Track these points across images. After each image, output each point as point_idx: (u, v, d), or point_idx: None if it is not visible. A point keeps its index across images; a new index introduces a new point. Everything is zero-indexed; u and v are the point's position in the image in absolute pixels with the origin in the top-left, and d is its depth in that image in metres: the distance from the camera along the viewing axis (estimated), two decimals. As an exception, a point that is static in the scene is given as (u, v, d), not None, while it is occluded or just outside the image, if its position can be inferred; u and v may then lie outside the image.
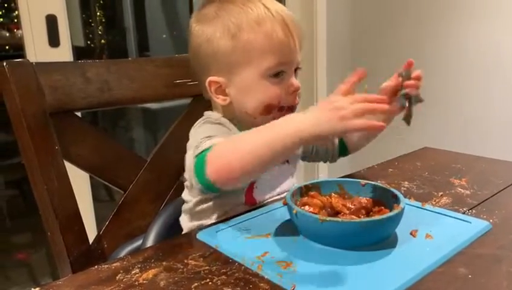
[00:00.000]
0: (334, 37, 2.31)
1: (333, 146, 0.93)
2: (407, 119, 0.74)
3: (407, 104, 0.74)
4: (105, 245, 0.96)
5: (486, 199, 0.76)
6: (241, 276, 0.55)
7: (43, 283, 2.00)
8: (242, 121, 0.78)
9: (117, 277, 0.56)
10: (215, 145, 0.65)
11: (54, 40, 1.63)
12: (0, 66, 0.84)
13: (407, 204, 0.74)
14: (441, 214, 0.70)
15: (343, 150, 0.94)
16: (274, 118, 0.66)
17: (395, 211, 0.60)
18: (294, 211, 0.62)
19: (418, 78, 0.74)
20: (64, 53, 1.66)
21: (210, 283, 0.54)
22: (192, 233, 0.68)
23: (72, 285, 0.54)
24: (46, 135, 0.88)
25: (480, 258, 0.58)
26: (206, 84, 0.76)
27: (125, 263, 0.60)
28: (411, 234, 0.64)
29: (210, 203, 0.78)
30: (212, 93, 0.77)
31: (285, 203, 0.65)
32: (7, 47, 2.23)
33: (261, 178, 0.78)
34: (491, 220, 0.68)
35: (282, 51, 0.74)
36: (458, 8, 1.95)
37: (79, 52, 3.23)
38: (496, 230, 0.65)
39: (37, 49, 1.61)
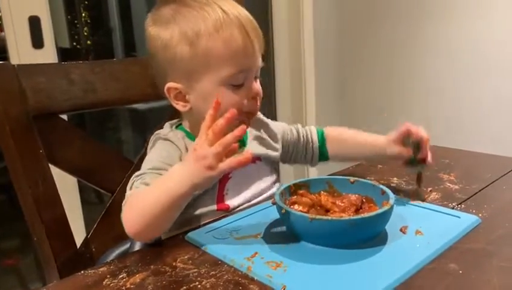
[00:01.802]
0: (321, 37, 2.31)
1: (312, 152, 0.91)
2: (419, 183, 0.80)
3: (417, 178, 0.80)
4: (94, 249, 0.94)
5: (475, 194, 0.76)
6: (230, 278, 0.54)
7: (32, 288, 1.97)
8: None
9: (104, 282, 0.55)
10: (129, 197, 0.66)
11: (37, 42, 1.60)
12: (-20, 68, 0.82)
13: (396, 201, 0.74)
14: (431, 209, 0.70)
15: (324, 157, 0.92)
16: (239, 123, 0.66)
17: (384, 208, 0.60)
18: (283, 211, 0.61)
19: (427, 148, 0.79)
20: (48, 54, 1.63)
21: (199, 285, 0.53)
22: (180, 235, 0.67)
23: (59, 291, 0.53)
24: (30, 138, 0.86)
25: (471, 253, 0.58)
26: (165, 90, 0.74)
27: (112, 267, 0.58)
28: (401, 230, 0.63)
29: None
30: (172, 100, 0.75)
31: (275, 203, 0.64)
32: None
33: (229, 182, 0.76)
34: (480, 215, 0.68)
35: (241, 58, 0.72)
36: (447, 5, 1.96)
37: (64, 54, 3.19)
38: (485, 224, 0.65)
39: (20, 51, 1.58)
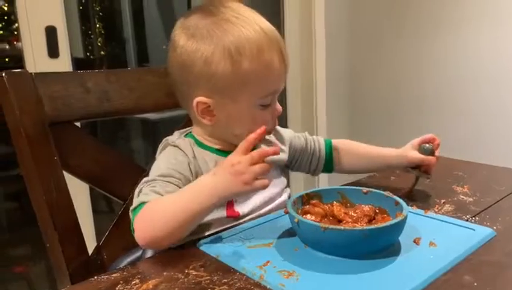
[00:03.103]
0: (333, 38, 2.31)
1: (318, 162, 0.92)
2: (411, 190, 0.86)
3: (414, 181, 0.86)
4: (105, 256, 0.95)
5: (489, 206, 0.76)
6: (242, 286, 0.54)
7: (43, 295, 1.98)
8: (227, 140, 0.78)
9: (117, 288, 0.55)
10: (144, 206, 0.67)
11: (53, 52, 1.63)
12: (-1, 76, 0.83)
13: (409, 212, 0.73)
14: (444, 221, 0.70)
15: (328, 168, 0.94)
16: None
17: (397, 219, 0.59)
18: (296, 220, 0.61)
19: (434, 163, 0.85)
20: (63, 64, 1.66)
21: (211, 293, 0.53)
22: (192, 243, 0.67)
23: (72, 297, 0.54)
24: (45, 145, 0.87)
25: (486, 266, 0.57)
26: (194, 103, 0.74)
27: (125, 273, 0.59)
28: (414, 241, 0.63)
29: None
30: (198, 113, 0.75)
31: (287, 212, 0.64)
32: (7, 59, 2.23)
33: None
34: (494, 227, 0.67)
35: (275, 81, 0.74)
36: (459, 12, 1.95)
37: (79, 64, 3.23)
38: (500, 237, 0.65)
39: (36, 60, 1.61)
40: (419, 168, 0.85)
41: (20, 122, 0.84)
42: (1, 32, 2.58)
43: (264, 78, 0.72)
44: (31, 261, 2.22)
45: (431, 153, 0.84)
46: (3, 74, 0.83)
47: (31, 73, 0.87)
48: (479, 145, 1.92)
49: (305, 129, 2.36)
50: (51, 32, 1.61)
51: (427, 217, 0.72)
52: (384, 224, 0.59)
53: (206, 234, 0.74)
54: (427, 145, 0.85)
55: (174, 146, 0.77)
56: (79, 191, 1.57)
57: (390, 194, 0.68)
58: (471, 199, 0.79)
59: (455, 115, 2.02)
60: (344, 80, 2.39)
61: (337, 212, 0.69)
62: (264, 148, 0.66)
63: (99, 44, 3.57)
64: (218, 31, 0.70)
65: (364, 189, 0.71)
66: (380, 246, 0.60)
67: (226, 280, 0.56)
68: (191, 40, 0.72)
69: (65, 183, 0.90)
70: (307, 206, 0.70)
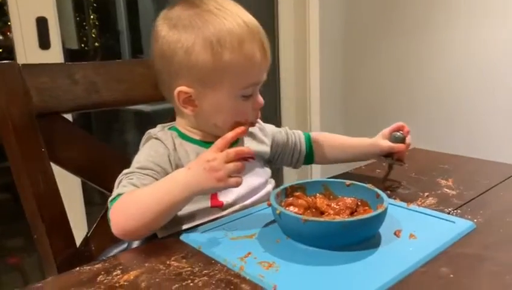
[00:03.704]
0: (327, 42, 2.31)
1: (299, 155, 0.94)
2: (385, 178, 0.89)
3: (388, 169, 0.89)
4: (93, 248, 0.95)
5: (472, 199, 0.76)
6: (222, 277, 0.55)
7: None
8: (209, 131, 0.78)
9: (98, 279, 0.56)
10: (120, 197, 0.68)
11: (44, 43, 1.62)
12: (-14, 67, 0.83)
13: (392, 204, 0.74)
14: (426, 214, 0.70)
15: (309, 160, 0.96)
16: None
17: (377, 211, 0.60)
18: (277, 212, 0.62)
19: (406, 150, 0.89)
20: (55, 55, 1.65)
21: (191, 284, 0.54)
22: (175, 235, 0.67)
23: (53, 287, 0.54)
24: (32, 137, 0.87)
25: (463, 258, 0.58)
26: (175, 93, 0.74)
27: (107, 264, 0.59)
28: (395, 234, 0.64)
29: None
30: (180, 103, 0.75)
31: (270, 204, 0.65)
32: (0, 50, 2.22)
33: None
34: (475, 220, 0.68)
35: (256, 73, 0.75)
36: (452, 10, 1.96)
37: (72, 55, 3.22)
38: (479, 230, 0.65)
39: (27, 51, 1.60)
40: (391, 156, 0.88)
41: (7, 114, 0.84)
42: (-6, 22, 2.57)
43: (245, 70, 0.72)
44: (25, 253, 2.22)
45: (402, 140, 0.87)
46: (-10, 65, 0.83)
47: (18, 64, 0.87)
48: (473, 144, 1.93)
49: (299, 111, 2.38)
50: (41, 23, 1.60)
51: (409, 209, 0.73)
52: (363, 216, 0.60)
53: (190, 225, 0.75)
54: (398, 133, 0.88)
55: (156, 138, 0.77)
56: (71, 183, 1.57)
57: (372, 186, 0.69)
58: (454, 192, 0.80)
59: (449, 114, 2.03)
60: (338, 81, 2.40)
61: (320, 204, 0.69)
62: (241, 147, 0.67)
63: (93, 35, 3.55)
64: (199, 22, 0.71)
65: (347, 181, 0.72)
66: (359, 238, 0.61)
67: (206, 271, 0.56)
68: (172, 31, 0.72)
69: (53, 176, 0.90)
70: (291, 198, 0.70)
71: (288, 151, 0.94)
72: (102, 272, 0.57)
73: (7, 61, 0.87)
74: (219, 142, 0.66)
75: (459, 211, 0.72)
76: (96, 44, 3.59)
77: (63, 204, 0.90)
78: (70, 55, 3.25)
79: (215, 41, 0.70)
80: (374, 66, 2.27)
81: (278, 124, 2.47)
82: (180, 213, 0.75)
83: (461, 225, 0.66)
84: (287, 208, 0.68)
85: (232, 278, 0.55)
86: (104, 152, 1.02)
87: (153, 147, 0.77)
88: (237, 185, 0.65)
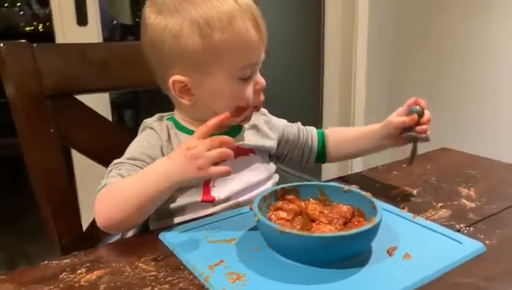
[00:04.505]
0: (376, 33, 2.17)
1: (310, 153, 0.88)
2: (411, 159, 0.78)
3: (413, 148, 0.78)
4: (100, 232, 0.95)
5: (491, 215, 0.67)
6: (185, 287, 0.51)
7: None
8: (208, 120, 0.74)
9: (61, 276, 0.54)
10: (105, 188, 0.66)
11: (82, 19, 1.64)
12: (-3, 46, 0.83)
13: (396, 215, 0.67)
14: (431, 229, 0.63)
15: (321, 159, 0.90)
16: (245, 119, 0.74)
17: (363, 228, 0.54)
18: (256, 218, 0.57)
19: (428, 121, 0.76)
20: (92, 32, 1.67)
21: (149, 291, 0.50)
22: (156, 232, 0.64)
23: (15, 281, 0.53)
24: (42, 117, 0.87)
25: (459, 289, 0.50)
26: (170, 83, 0.70)
27: (75, 260, 0.57)
28: (388, 251, 0.57)
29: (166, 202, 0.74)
30: (176, 93, 0.71)
31: (252, 208, 0.60)
32: (40, 26, 2.27)
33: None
34: (487, 242, 0.59)
35: (252, 52, 0.69)
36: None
37: (125, 30, 3.28)
38: (489, 255, 0.57)
39: (65, 27, 1.62)
40: (412, 131, 0.77)
41: (16, 94, 0.84)
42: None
43: (239, 49, 0.67)
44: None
45: (421, 113, 0.76)
46: (1, 44, 0.83)
47: (31, 44, 0.86)
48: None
49: (342, 110, 2.27)
50: (79, 0, 1.61)
51: (414, 222, 0.65)
52: (346, 232, 0.53)
53: (182, 218, 0.72)
54: (416, 107, 0.76)
55: (150, 128, 0.74)
56: (87, 165, 1.60)
57: (370, 195, 0.62)
58: (473, 205, 0.71)
59: (489, 106, 1.86)
60: (386, 59, 2.25)
61: (311, 211, 0.64)
62: (226, 137, 0.61)
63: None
64: (185, 5, 0.66)
65: (345, 187, 0.66)
66: (342, 256, 0.54)
67: (171, 278, 0.53)
68: (159, 17, 0.68)
69: (62, 157, 0.90)
70: (281, 202, 0.65)
71: (298, 149, 0.88)
72: (68, 269, 0.55)
73: (19, 41, 0.87)
74: (201, 129, 0.62)
75: (471, 228, 0.64)
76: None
77: (71, 187, 0.90)
78: (125, 30, 3.31)
79: (203, 22, 0.65)
80: (425, 44, 2.10)
81: (319, 124, 2.38)
82: (171, 205, 0.73)
83: (469, 246, 0.58)
84: (275, 213, 0.63)
85: (194, 289, 0.51)
86: (116, 133, 1.01)
87: (147, 137, 0.74)
88: (220, 174, 0.61)
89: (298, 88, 2.84)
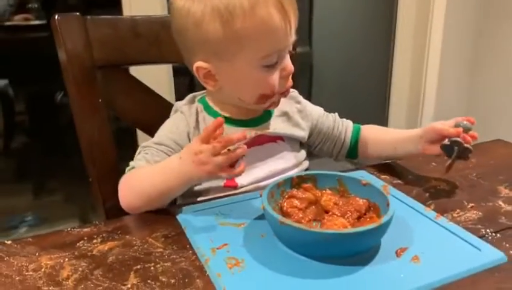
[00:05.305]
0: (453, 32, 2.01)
1: (341, 147, 0.85)
2: (449, 166, 0.72)
3: (455, 153, 0.71)
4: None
5: (525, 222, 0.62)
6: (185, 267, 0.53)
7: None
8: (235, 105, 0.74)
9: (78, 244, 0.58)
10: (129, 172, 0.70)
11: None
12: (53, 18, 0.88)
13: (418, 212, 0.64)
14: (451, 232, 0.59)
15: (353, 154, 0.87)
16: (271, 105, 0.72)
17: (364, 228, 0.52)
18: (262, 206, 0.57)
19: (473, 138, 0.72)
20: (155, 4, 1.70)
21: (152, 268, 0.53)
22: (174, 209, 0.67)
23: (38, 244, 0.58)
24: (92, 87, 0.92)
25: (462, 302, 0.48)
26: (194, 69, 0.70)
27: (95, 230, 0.62)
28: (396, 252, 0.55)
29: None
30: (201, 79, 0.71)
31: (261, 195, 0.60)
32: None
33: (243, 159, 0.73)
34: (511, 252, 0.55)
35: (277, 38, 0.66)
36: None
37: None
38: (509, 266, 0.53)
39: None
40: (456, 147, 0.71)
41: (68, 64, 0.89)
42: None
43: (262, 37, 0.65)
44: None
45: (468, 129, 0.71)
46: (56, 16, 0.88)
47: (84, 17, 0.91)
48: None
49: (411, 101, 2.15)
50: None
51: (435, 222, 0.61)
52: (349, 230, 0.52)
53: (205, 197, 0.74)
54: (465, 122, 0.71)
55: (181, 112, 0.76)
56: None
57: (386, 191, 0.59)
58: (508, 208, 0.65)
59: None
60: (465, 47, 2.07)
61: (325, 202, 0.62)
62: (229, 135, 0.60)
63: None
64: None
65: (364, 180, 0.63)
66: (344, 253, 0.53)
67: (174, 256, 0.55)
68: (183, 3, 0.67)
69: (108, 125, 0.95)
70: (295, 190, 0.64)
71: (330, 141, 0.85)
72: (85, 237, 0.59)
73: (73, 13, 0.91)
74: (203, 134, 0.62)
75: (498, 235, 0.59)
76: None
77: (116, 153, 0.96)
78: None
79: (223, 9, 0.63)
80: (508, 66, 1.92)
81: (384, 122, 2.27)
82: (196, 188, 0.74)
83: (488, 255, 0.54)
84: (288, 201, 0.62)
85: (193, 270, 0.53)
86: (161, 105, 1.04)
87: (176, 122, 0.76)
88: (231, 176, 0.63)
89: (364, 83, 2.74)
